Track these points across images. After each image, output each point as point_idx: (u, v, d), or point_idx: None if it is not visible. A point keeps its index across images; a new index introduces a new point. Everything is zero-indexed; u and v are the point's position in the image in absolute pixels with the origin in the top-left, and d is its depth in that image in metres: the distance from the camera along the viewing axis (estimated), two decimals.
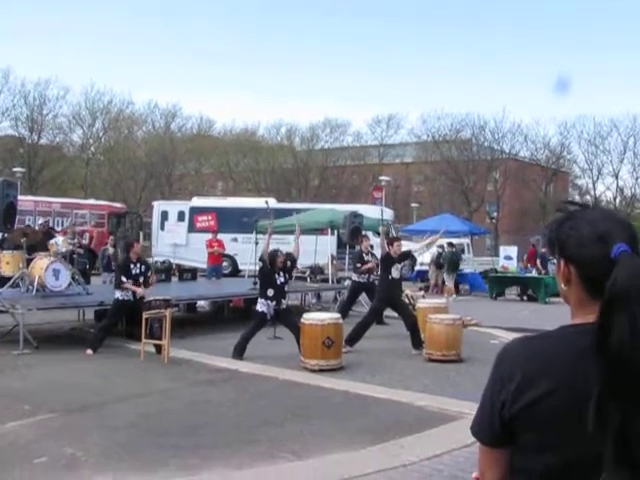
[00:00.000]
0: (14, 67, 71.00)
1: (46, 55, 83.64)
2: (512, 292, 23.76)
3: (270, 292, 10.79)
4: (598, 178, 55.53)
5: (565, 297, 1.81)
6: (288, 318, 10.96)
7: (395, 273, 11.91)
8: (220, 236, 29.90)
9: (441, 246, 26.34)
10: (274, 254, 11.06)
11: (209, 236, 22.97)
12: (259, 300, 10.95)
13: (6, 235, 14.04)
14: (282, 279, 10.96)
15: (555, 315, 15.05)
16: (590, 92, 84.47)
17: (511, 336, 13.83)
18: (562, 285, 1.77)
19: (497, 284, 23.81)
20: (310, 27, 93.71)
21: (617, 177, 54.21)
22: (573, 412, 1.58)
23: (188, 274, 19.35)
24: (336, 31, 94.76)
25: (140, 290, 11.29)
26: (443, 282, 24.85)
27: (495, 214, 56.34)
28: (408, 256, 13.15)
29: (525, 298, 22.86)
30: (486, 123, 55.22)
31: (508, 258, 25.50)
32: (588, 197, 57.60)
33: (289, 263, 11.40)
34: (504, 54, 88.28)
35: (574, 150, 56.12)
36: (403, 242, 13.61)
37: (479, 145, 56.04)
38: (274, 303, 10.80)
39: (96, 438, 6.54)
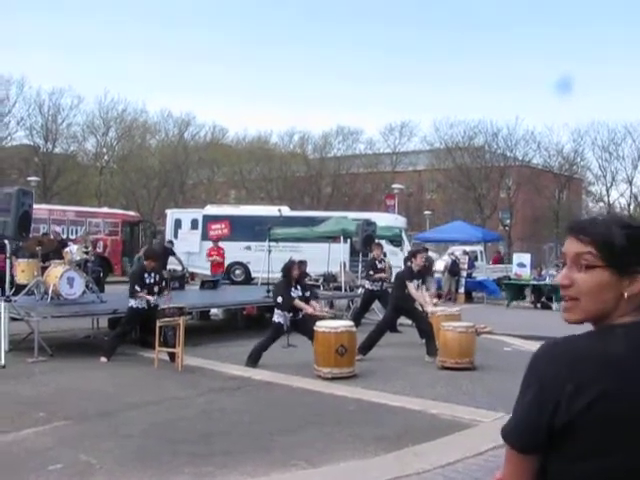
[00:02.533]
0: (29, 77, 71.50)
1: (60, 64, 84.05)
2: (526, 300, 23.67)
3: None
4: (612, 185, 55.34)
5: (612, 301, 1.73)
6: (305, 327, 10.94)
7: (412, 289, 11.73)
8: (233, 244, 30.08)
9: (452, 253, 26.34)
10: (289, 265, 11.05)
11: (221, 244, 22.99)
12: (276, 311, 10.94)
13: (21, 243, 14.12)
14: (299, 292, 10.91)
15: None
16: (604, 99, 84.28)
17: (525, 343, 13.86)
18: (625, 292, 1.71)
19: (513, 291, 23.75)
20: (323, 35, 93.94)
21: (631, 183, 54.01)
22: (636, 414, 1.56)
23: (210, 283, 19.34)
24: (349, 39, 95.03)
25: (152, 298, 11.32)
26: (456, 290, 24.81)
27: (508, 221, 56.19)
28: (428, 271, 12.94)
29: (539, 305, 22.77)
30: (499, 130, 55.21)
31: (521, 265, 25.38)
32: (602, 204, 57.42)
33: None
34: (517, 61, 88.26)
35: (587, 157, 55.99)
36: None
37: (492, 152, 55.95)
38: (291, 314, 10.79)
39: (110, 445, 6.57)
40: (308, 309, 10.81)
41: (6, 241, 11.96)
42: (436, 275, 24.52)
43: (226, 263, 30.33)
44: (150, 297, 11.31)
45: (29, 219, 11.67)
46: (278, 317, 10.84)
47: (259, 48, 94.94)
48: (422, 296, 12.10)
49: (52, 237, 18.49)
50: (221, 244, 23.12)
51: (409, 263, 12.09)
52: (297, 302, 10.74)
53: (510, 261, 30.56)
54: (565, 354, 1.69)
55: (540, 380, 1.68)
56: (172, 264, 21.25)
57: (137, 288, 11.33)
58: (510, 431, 1.74)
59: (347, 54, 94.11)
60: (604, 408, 1.59)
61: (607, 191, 55.87)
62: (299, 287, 10.98)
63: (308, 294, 11.14)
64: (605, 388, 1.60)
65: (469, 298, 24.66)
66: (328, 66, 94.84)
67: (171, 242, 23.63)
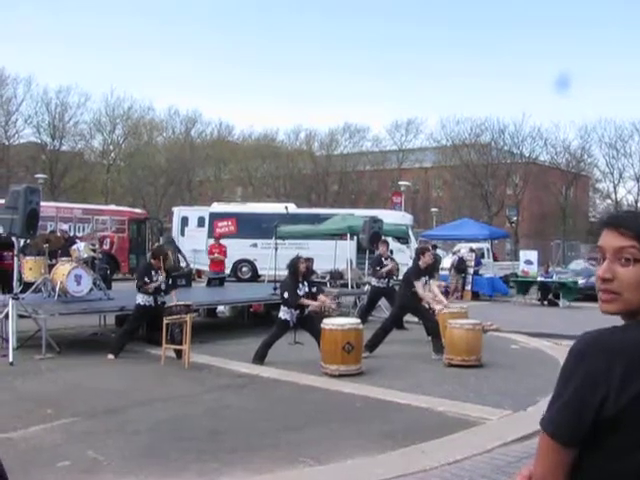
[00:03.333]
0: (36, 75, 71.85)
1: (66, 62, 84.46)
2: (532, 297, 23.64)
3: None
4: (619, 182, 55.31)
5: None
6: (311, 324, 10.94)
7: (420, 288, 11.72)
8: (239, 241, 30.10)
9: (458, 251, 26.29)
10: (296, 260, 11.05)
11: (227, 241, 22.97)
12: (282, 307, 10.94)
13: (29, 241, 14.16)
14: (306, 289, 10.91)
15: (578, 319, 15.02)
16: (611, 95, 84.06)
17: (532, 341, 13.83)
18: None
19: (521, 287, 23.79)
20: (329, 32, 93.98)
21: (639, 180, 53.83)
22: None
23: (216, 281, 19.34)
24: (355, 36, 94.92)
25: (161, 280, 11.32)
26: (463, 287, 24.79)
27: (515, 218, 56.13)
28: (435, 268, 12.92)
29: (546, 303, 22.74)
30: (506, 127, 55.21)
31: (528, 262, 25.37)
32: (609, 201, 57.30)
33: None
34: (524, 58, 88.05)
35: (595, 154, 55.97)
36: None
37: (498, 149, 55.93)
38: (297, 311, 10.79)
39: (118, 442, 6.59)
40: (314, 304, 10.83)
41: (14, 239, 11.97)
42: (442, 272, 24.48)
43: (232, 260, 30.49)
44: (159, 281, 11.30)
45: (37, 217, 11.68)
46: (284, 314, 10.84)
47: (265, 46, 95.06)
48: (429, 295, 12.07)
49: (59, 235, 18.50)
50: (225, 241, 23.02)
51: (417, 260, 12.08)
52: (303, 300, 10.75)
53: (517, 258, 30.54)
54: (609, 346, 1.67)
55: (585, 373, 1.66)
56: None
57: (146, 279, 11.31)
58: (553, 423, 1.72)
59: (353, 51, 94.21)
60: None
61: (614, 188, 55.89)
62: (305, 283, 10.98)
63: (315, 290, 11.13)
64: None
65: (476, 295, 24.62)
66: (334, 63, 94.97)
67: (168, 239, 23.66)
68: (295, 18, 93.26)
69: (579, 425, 1.66)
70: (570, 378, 1.69)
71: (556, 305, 22.06)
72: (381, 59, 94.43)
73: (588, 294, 24.07)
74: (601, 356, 1.65)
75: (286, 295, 10.76)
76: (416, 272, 11.80)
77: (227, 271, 29.24)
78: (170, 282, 11.77)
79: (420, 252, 12.33)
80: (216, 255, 21.81)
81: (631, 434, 1.61)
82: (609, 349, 1.66)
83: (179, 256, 21.36)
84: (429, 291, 12.14)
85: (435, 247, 24.16)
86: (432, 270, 12.50)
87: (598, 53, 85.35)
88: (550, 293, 22.87)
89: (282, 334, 11.03)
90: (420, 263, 11.88)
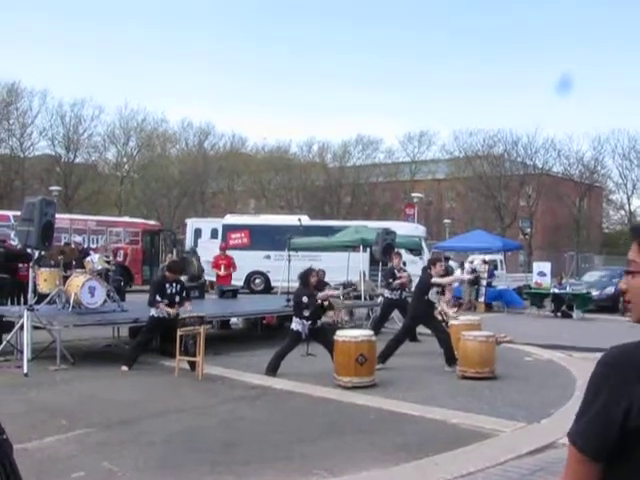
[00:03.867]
0: (51, 88, 72.36)
1: (81, 75, 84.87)
2: (546, 309, 23.56)
3: (306, 312, 10.79)
4: (633, 193, 55.00)
5: None
6: (323, 336, 10.96)
7: (432, 296, 11.85)
8: (252, 253, 30.15)
9: (471, 262, 26.24)
10: (308, 273, 11.08)
11: (240, 253, 22.84)
12: (294, 319, 10.96)
13: (43, 253, 14.24)
14: (318, 301, 10.95)
15: (591, 331, 14.95)
16: (624, 106, 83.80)
17: (546, 353, 13.78)
18: None
19: (534, 299, 23.73)
20: (342, 44, 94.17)
21: None
22: None
23: (229, 293, 19.35)
24: (367, 48, 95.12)
25: (172, 311, 11.38)
26: (476, 299, 24.73)
27: (528, 230, 55.96)
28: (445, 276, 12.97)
29: (559, 314, 22.65)
30: (519, 139, 55.08)
31: (542, 274, 25.28)
32: (622, 212, 57.03)
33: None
34: (536, 70, 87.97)
35: (608, 165, 55.68)
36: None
37: (511, 161, 55.81)
38: (309, 322, 10.81)
39: (132, 453, 6.62)
40: (331, 292, 10.93)
41: (29, 250, 12.05)
42: (455, 285, 24.42)
43: (245, 272, 30.52)
44: (170, 310, 11.36)
45: (52, 229, 11.77)
46: (296, 325, 10.86)
47: (279, 58, 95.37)
48: (447, 280, 12.19)
49: (73, 247, 18.59)
50: (238, 253, 22.81)
51: (428, 270, 12.12)
52: (320, 294, 10.82)
53: (530, 270, 30.45)
54: (634, 359, 1.69)
55: (610, 386, 1.68)
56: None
57: (157, 298, 11.39)
58: (581, 437, 1.71)
59: (366, 63, 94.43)
60: None
61: (628, 199, 55.56)
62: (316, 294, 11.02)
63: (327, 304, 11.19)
64: None
65: (489, 307, 24.56)
66: (347, 75, 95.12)
67: (190, 251, 23.43)
68: (308, 30, 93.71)
69: (606, 438, 1.66)
70: (596, 391, 1.70)
71: (570, 317, 21.98)
72: (394, 71, 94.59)
73: (602, 306, 24.03)
74: (626, 369, 1.67)
75: (305, 299, 10.75)
76: (429, 279, 11.83)
77: (240, 283, 29.36)
78: (184, 294, 11.82)
79: (432, 262, 12.42)
80: (222, 268, 20.46)
81: None
82: (634, 362, 1.68)
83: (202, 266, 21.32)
84: (439, 305, 12.23)
85: (448, 259, 24.13)
86: (444, 277, 12.55)
87: (611, 64, 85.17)
88: (564, 305, 22.79)
89: (295, 345, 11.04)
90: (432, 273, 11.92)
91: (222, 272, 20.35)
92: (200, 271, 19.21)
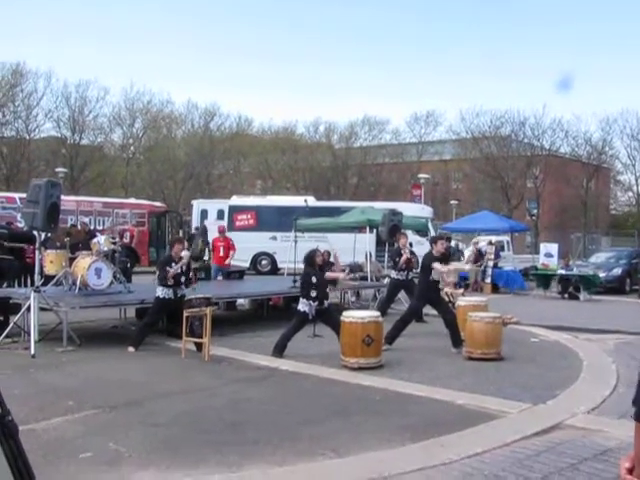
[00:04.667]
0: (56, 69, 72.24)
1: (85, 56, 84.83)
2: (553, 290, 23.50)
3: (313, 293, 10.78)
4: None
5: None
6: (330, 317, 10.96)
7: (435, 275, 11.83)
8: (259, 234, 30.18)
9: (476, 243, 26.16)
10: (313, 253, 11.07)
11: (246, 234, 22.76)
12: (301, 300, 10.96)
13: (50, 235, 14.26)
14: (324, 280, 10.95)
15: (598, 313, 14.95)
16: (633, 87, 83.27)
17: (552, 334, 13.77)
18: None
19: (541, 281, 23.66)
20: (348, 24, 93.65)
21: None
22: None
23: (236, 274, 19.32)
24: (374, 27, 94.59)
25: (180, 265, 11.40)
26: (482, 280, 24.69)
27: (535, 211, 55.81)
28: (449, 256, 12.93)
29: (566, 296, 22.60)
30: (526, 119, 54.78)
31: (549, 255, 25.18)
32: (630, 193, 56.81)
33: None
34: (545, 50, 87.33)
35: (616, 146, 55.35)
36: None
37: (519, 141, 55.55)
38: (316, 303, 10.80)
39: (139, 434, 6.63)
40: (339, 275, 10.95)
41: (35, 232, 12.06)
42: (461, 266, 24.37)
43: (252, 253, 30.57)
44: (179, 266, 11.39)
45: (57, 210, 11.76)
46: (303, 306, 10.85)
47: (284, 38, 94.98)
48: (448, 268, 12.16)
49: (80, 228, 18.61)
50: (244, 234, 22.60)
51: (430, 249, 12.13)
52: (329, 274, 10.82)
53: (537, 251, 30.37)
54: None
55: None
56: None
57: (168, 268, 11.36)
58: (635, 403, 1.75)
59: (373, 43, 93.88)
60: None
61: (636, 180, 55.23)
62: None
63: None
64: None
65: (495, 288, 24.52)
66: (354, 56, 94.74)
67: (197, 228, 23.36)
68: (314, 10, 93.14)
69: None
70: None
71: (576, 298, 21.91)
72: (400, 51, 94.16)
73: (609, 287, 23.96)
74: None
75: (314, 279, 10.75)
76: (431, 259, 11.82)
77: (246, 264, 29.40)
78: (191, 274, 11.84)
79: (433, 241, 12.42)
80: (220, 250, 20.01)
81: None
82: None
83: (206, 248, 21.29)
84: (446, 283, 12.21)
85: (449, 239, 24.05)
86: (446, 259, 12.52)
87: (619, 45, 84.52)
88: (570, 286, 22.73)
89: (301, 326, 11.04)
90: (434, 252, 11.91)
91: (221, 254, 20.00)
92: (202, 251, 19.10)
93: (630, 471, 1.77)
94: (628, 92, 79.40)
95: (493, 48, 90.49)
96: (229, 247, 20.07)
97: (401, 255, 14.69)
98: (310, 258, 11.01)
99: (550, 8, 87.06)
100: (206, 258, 21.26)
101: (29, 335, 11.03)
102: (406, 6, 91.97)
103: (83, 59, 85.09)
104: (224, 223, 30.95)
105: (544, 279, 23.69)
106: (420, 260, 13.83)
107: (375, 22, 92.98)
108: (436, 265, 11.69)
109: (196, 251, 18.81)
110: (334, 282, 11.81)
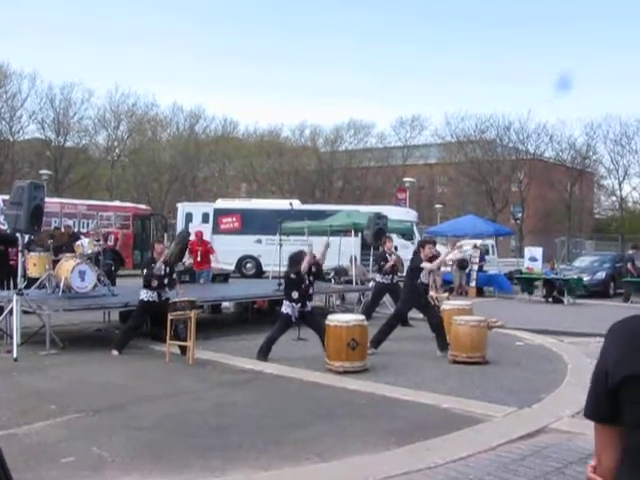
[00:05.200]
0: (40, 71, 71.83)
1: (70, 58, 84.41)
2: (537, 294, 23.57)
3: (295, 294, 10.76)
4: (624, 178, 55.03)
5: None
6: (313, 320, 10.95)
7: (423, 278, 11.84)
8: (244, 237, 30.10)
9: (460, 247, 26.20)
10: (299, 256, 11.04)
11: (232, 238, 22.64)
12: (284, 302, 10.93)
13: (33, 237, 14.16)
14: (307, 282, 10.93)
15: (582, 316, 14.99)
16: (616, 92, 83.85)
17: (537, 338, 13.80)
18: None
19: (525, 284, 23.69)
20: (334, 27, 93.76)
21: None
22: None
23: (221, 277, 19.22)
24: (360, 32, 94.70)
25: (159, 266, 11.33)
26: (467, 283, 24.74)
27: (520, 215, 56.04)
28: (435, 258, 12.87)
29: (550, 300, 22.67)
30: (511, 124, 55.06)
31: (533, 259, 25.24)
32: (614, 198, 57.14)
33: (314, 269, 11.25)
34: (529, 55, 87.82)
35: (600, 150, 55.71)
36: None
37: (503, 146, 55.81)
38: (299, 305, 10.77)
39: (122, 438, 6.58)
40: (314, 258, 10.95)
41: (18, 234, 11.96)
42: (445, 269, 24.41)
43: (237, 257, 30.48)
44: (159, 266, 11.31)
45: (41, 213, 11.68)
46: (286, 308, 10.83)
47: (269, 41, 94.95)
48: (436, 264, 12.18)
49: (64, 230, 18.49)
50: (229, 237, 22.31)
51: (417, 253, 12.12)
52: (306, 260, 10.76)
53: (521, 255, 30.47)
54: (616, 330, 1.82)
55: (600, 354, 1.83)
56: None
57: (152, 267, 11.29)
58: (585, 404, 1.86)
59: (358, 47, 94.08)
60: (637, 383, 1.69)
61: (619, 185, 55.60)
62: (306, 276, 11.00)
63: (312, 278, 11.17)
64: (637, 365, 1.70)
65: (480, 292, 24.57)
66: (339, 59, 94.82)
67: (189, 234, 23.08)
68: (300, 13, 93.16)
69: (596, 401, 1.79)
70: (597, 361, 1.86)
71: (561, 302, 21.99)
72: (386, 55, 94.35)
73: (593, 291, 24.06)
74: (612, 337, 1.82)
75: (292, 276, 10.74)
76: (418, 261, 11.81)
77: (231, 267, 29.29)
78: (173, 277, 11.78)
79: (421, 245, 12.39)
80: (198, 255, 19.61)
81: (629, 411, 1.71)
82: (614, 331, 1.82)
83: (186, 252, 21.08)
84: (433, 281, 12.21)
85: (434, 243, 24.06)
86: (434, 260, 12.51)
87: (604, 50, 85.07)
88: (555, 290, 22.80)
89: (285, 329, 11.01)
90: (423, 254, 11.91)
91: (199, 258, 19.73)
92: (177, 256, 18.70)
93: (595, 469, 1.85)
94: (612, 97, 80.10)
95: (478, 53, 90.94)
96: (207, 251, 19.94)
97: (386, 259, 14.69)
98: (295, 259, 10.97)
99: (535, 13, 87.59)
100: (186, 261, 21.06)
101: (11, 338, 10.93)
102: (393, 11, 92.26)
103: (68, 61, 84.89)
104: (209, 226, 30.96)
105: (528, 283, 23.75)
106: (405, 263, 13.86)
107: (361, 26, 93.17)
108: (426, 264, 11.69)
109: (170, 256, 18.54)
110: (319, 271, 11.72)
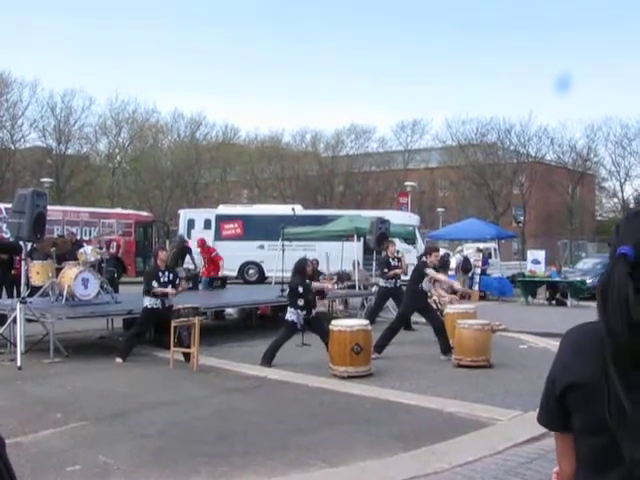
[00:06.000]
0: (41, 79, 71.93)
1: (71, 65, 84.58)
2: (540, 297, 23.53)
3: (300, 301, 10.76)
4: (626, 180, 55.07)
5: None
6: (319, 326, 10.94)
7: (426, 285, 11.84)
8: (246, 243, 30.12)
9: (462, 251, 26.18)
10: (302, 263, 11.05)
11: (234, 244, 22.57)
12: (289, 309, 10.94)
13: (35, 245, 14.16)
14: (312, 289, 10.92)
15: (585, 319, 15.02)
16: (617, 94, 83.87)
17: (540, 341, 13.79)
18: None
19: (528, 287, 23.53)
20: (334, 32, 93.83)
21: None
22: (601, 398, 1.61)
23: (218, 281, 19.24)
24: (360, 36, 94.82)
25: (171, 291, 11.33)
26: (470, 287, 24.68)
27: (521, 218, 56.02)
28: (444, 268, 12.84)
29: (554, 302, 22.64)
30: (512, 127, 55.05)
31: (536, 262, 25.22)
32: (615, 200, 57.12)
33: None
34: (530, 57, 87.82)
35: (601, 152, 55.72)
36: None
37: (505, 149, 55.79)
38: (304, 312, 10.77)
39: (127, 446, 6.57)
40: (328, 285, 10.88)
41: (21, 242, 11.96)
42: (450, 273, 24.38)
43: (239, 262, 30.50)
44: (169, 290, 11.31)
45: (44, 221, 11.68)
46: (291, 315, 10.83)
47: (270, 47, 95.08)
48: (442, 276, 12.12)
49: (68, 238, 18.49)
50: (231, 243, 22.29)
51: (424, 258, 12.10)
52: (316, 284, 10.77)
53: (524, 258, 30.45)
54: (566, 338, 1.80)
55: (554, 360, 1.80)
56: (187, 263, 21.06)
57: (154, 284, 11.31)
58: (538, 411, 1.84)
59: (359, 52, 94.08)
60: (582, 388, 1.67)
61: (621, 187, 55.64)
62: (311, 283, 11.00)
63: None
64: (582, 371, 1.68)
65: (483, 295, 24.54)
66: (339, 64, 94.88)
67: (185, 241, 23.17)
68: (300, 18, 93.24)
69: (547, 408, 1.79)
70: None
71: (564, 305, 21.96)
72: (386, 59, 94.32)
73: (596, 293, 23.98)
74: (562, 344, 1.79)
75: (300, 290, 10.75)
76: (424, 266, 11.81)
77: (234, 273, 29.35)
78: (178, 282, 11.80)
79: (428, 251, 12.38)
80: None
81: (575, 419, 1.71)
82: (568, 338, 1.79)
83: (189, 258, 21.17)
84: (436, 290, 12.16)
85: (437, 250, 24.02)
86: (438, 269, 12.51)
87: (604, 52, 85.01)
88: (558, 292, 22.76)
89: (290, 336, 11.02)
90: (427, 262, 11.89)
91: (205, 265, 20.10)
92: (176, 264, 18.64)
93: (558, 475, 1.85)
94: (613, 98, 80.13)
95: (479, 56, 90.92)
96: (211, 258, 20.14)
97: (389, 264, 14.68)
98: (299, 267, 10.99)
99: (535, 16, 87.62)
100: (191, 267, 21.12)
101: (15, 346, 10.91)
102: (392, 14, 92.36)
103: (69, 68, 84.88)
104: (211, 233, 30.99)
105: (530, 286, 23.65)
106: (407, 265, 13.85)
107: (361, 30, 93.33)
108: (429, 271, 11.68)
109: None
110: (322, 293, 11.76)
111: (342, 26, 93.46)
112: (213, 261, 20.15)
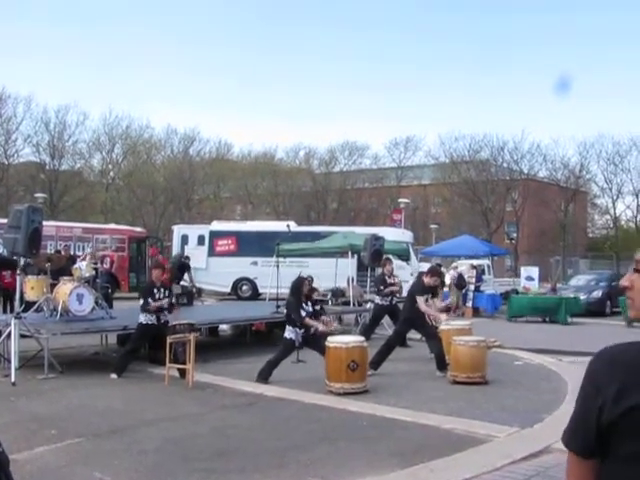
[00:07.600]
0: (36, 94, 71.90)
1: (65, 81, 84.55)
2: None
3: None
4: (618, 197, 55.12)
5: None
6: (317, 343, 10.89)
7: (422, 303, 11.77)
8: (239, 260, 30.10)
9: (456, 267, 26.22)
10: (300, 282, 11.04)
11: (228, 260, 22.56)
12: (287, 327, 10.92)
13: (30, 260, 14.13)
14: (310, 309, 10.88)
15: (580, 335, 14.97)
16: (609, 111, 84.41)
17: (536, 357, 13.79)
18: None
19: (517, 307, 23.26)
20: (328, 48, 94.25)
21: (637, 196, 53.75)
22: None
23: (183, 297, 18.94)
24: (354, 53, 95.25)
25: (165, 301, 11.32)
26: (464, 303, 24.71)
27: (514, 235, 56.13)
28: (436, 288, 12.72)
29: (547, 319, 22.65)
30: (505, 144, 55.16)
31: (529, 279, 25.33)
32: (608, 216, 57.31)
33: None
34: (523, 74, 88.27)
35: (593, 169, 55.85)
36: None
37: (497, 166, 55.93)
38: (302, 330, 10.76)
39: (124, 463, 6.54)
40: (319, 326, 10.78)
41: (15, 257, 11.94)
42: (445, 289, 24.37)
43: (233, 279, 30.50)
44: (164, 301, 11.29)
45: (39, 236, 11.67)
46: (289, 333, 10.82)
47: (263, 62, 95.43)
48: (431, 310, 12.03)
49: (63, 253, 18.46)
50: (225, 259, 22.42)
51: (422, 277, 12.08)
52: (307, 321, 10.71)
53: (517, 274, 30.52)
54: (613, 358, 1.74)
55: (590, 383, 1.75)
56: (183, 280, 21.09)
57: (149, 301, 11.29)
58: (566, 433, 1.80)
59: (352, 68, 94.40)
60: None
61: (613, 203, 55.70)
62: (309, 303, 10.96)
63: (318, 307, 11.15)
64: None
65: (476, 312, 24.54)
66: (333, 80, 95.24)
67: (187, 257, 23.20)
68: (294, 35, 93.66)
69: (584, 436, 1.73)
70: (581, 389, 1.79)
71: (557, 322, 21.96)
72: (379, 75, 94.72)
73: (590, 310, 24.06)
74: (604, 367, 1.74)
75: (293, 316, 10.75)
76: (420, 288, 11.80)
77: (227, 289, 29.36)
78: (173, 299, 11.78)
79: (430, 272, 12.31)
80: None
81: (628, 447, 1.66)
82: (612, 360, 1.74)
83: (186, 275, 21.20)
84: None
85: (440, 266, 24.07)
86: (435, 290, 12.48)
87: (596, 68, 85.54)
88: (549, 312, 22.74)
89: (288, 354, 11.01)
90: (426, 280, 11.88)
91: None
92: (172, 281, 18.65)
93: None
94: (604, 115, 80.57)
95: (471, 72, 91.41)
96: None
97: (385, 282, 14.69)
98: (296, 287, 10.97)
99: (528, 31, 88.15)
100: (186, 283, 21.13)
101: (9, 362, 10.87)
102: (386, 32, 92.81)
103: (63, 84, 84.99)
104: (205, 249, 31.01)
105: (524, 306, 23.39)
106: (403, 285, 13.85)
107: (355, 47, 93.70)
108: (420, 300, 11.62)
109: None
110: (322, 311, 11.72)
111: (336, 43, 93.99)
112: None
